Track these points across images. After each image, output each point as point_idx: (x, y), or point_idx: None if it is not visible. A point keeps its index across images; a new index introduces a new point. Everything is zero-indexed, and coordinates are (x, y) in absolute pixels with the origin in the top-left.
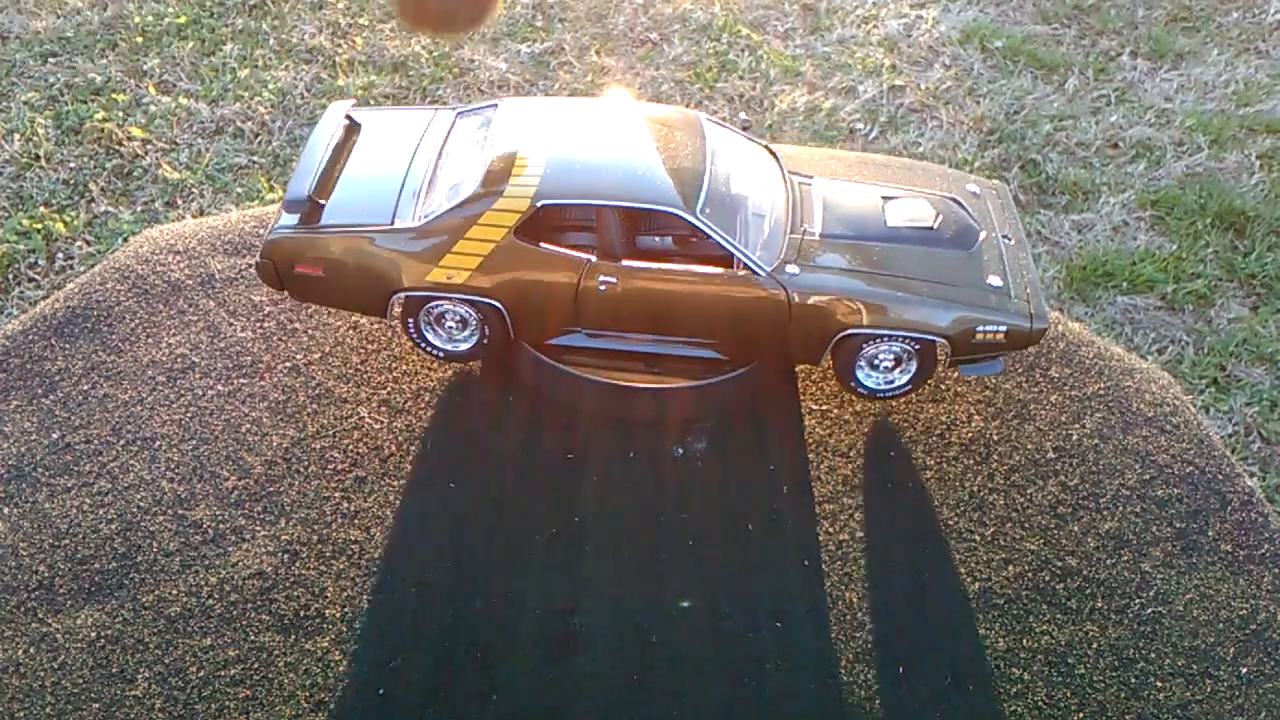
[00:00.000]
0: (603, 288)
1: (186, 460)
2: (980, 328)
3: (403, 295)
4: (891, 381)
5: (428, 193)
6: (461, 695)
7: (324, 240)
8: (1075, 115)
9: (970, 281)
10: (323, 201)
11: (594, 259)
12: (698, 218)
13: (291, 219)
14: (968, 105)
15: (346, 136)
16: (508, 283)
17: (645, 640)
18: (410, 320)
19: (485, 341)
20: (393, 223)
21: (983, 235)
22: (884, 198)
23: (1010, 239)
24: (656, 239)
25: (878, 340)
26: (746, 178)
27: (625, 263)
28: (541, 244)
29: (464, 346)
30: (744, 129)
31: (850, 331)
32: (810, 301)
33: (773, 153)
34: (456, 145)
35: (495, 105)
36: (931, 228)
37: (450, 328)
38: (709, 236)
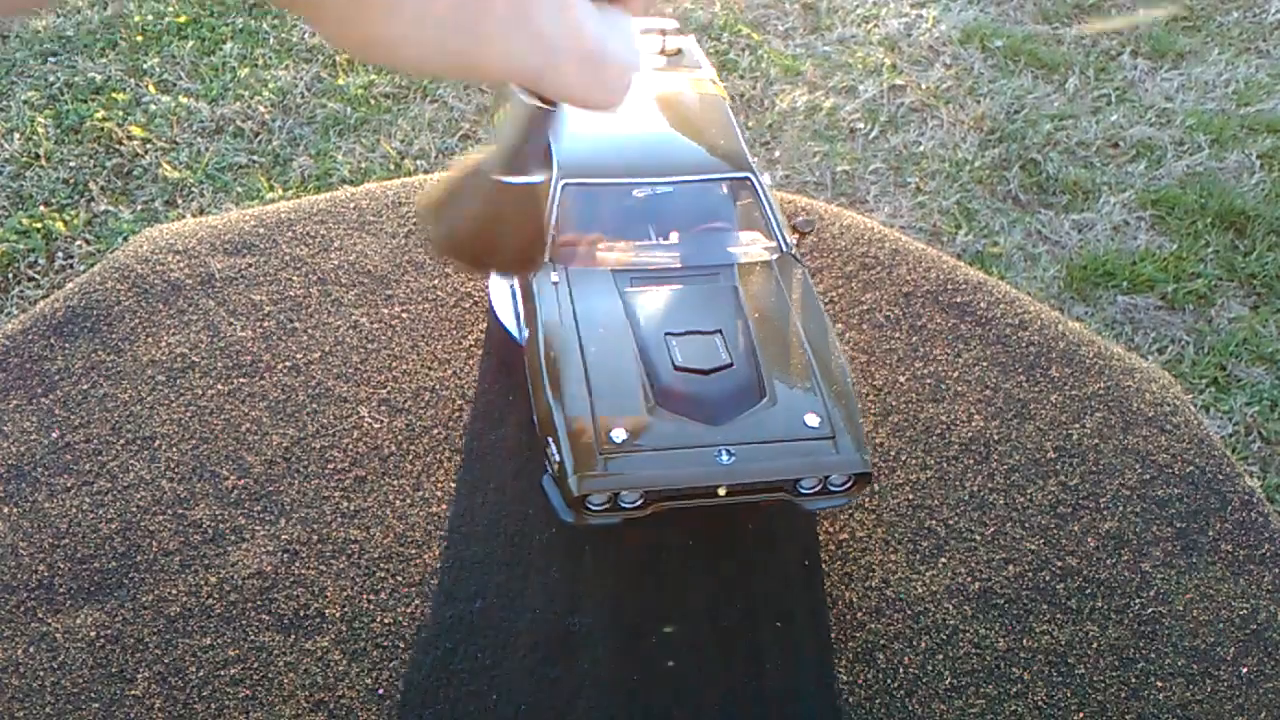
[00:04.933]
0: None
1: (186, 460)
2: (551, 448)
3: None
4: None
5: None
6: (461, 695)
7: None
8: (1075, 115)
9: (606, 421)
10: None
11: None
12: (554, 186)
13: None
14: (968, 104)
15: None
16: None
17: (645, 640)
18: None
19: None
20: None
21: (691, 422)
22: (717, 329)
23: (732, 458)
24: None
25: None
26: (698, 233)
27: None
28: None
29: None
30: (800, 231)
31: None
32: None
33: (790, 257)
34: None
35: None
36: (674, 367)
37: None
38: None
